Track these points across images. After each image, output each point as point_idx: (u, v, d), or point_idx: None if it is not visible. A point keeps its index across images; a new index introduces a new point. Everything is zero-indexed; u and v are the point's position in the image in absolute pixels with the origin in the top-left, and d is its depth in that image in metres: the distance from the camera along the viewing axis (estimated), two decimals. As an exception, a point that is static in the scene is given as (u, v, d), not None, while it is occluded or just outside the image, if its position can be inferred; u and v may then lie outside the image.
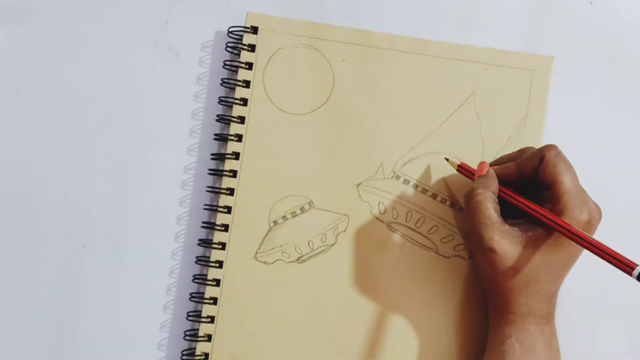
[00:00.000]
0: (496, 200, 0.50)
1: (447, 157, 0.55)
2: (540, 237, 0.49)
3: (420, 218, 0.56)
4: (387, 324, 0.55)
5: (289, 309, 0.55)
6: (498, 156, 0.55)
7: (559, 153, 0.49)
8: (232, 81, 0.56)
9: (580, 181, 0.57)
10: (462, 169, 0.54)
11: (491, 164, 0.53)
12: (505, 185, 0.51)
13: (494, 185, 0.50)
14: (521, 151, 0.53)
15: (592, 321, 0.57)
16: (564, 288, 0.57)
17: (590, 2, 0.59)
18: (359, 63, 0.56)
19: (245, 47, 0.56)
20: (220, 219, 0.56)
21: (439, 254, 0.55)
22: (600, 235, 0.57)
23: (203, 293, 0.55)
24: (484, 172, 0.51)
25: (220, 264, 0.55)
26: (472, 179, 0.52)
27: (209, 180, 0.57)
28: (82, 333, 0.57)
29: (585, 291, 0.57)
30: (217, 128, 0.58)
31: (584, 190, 0.50)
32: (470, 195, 0.50)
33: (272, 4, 0.58)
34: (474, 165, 0.53)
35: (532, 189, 0.51)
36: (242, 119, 0.56)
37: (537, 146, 0.55)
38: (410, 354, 0.55)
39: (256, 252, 0.56)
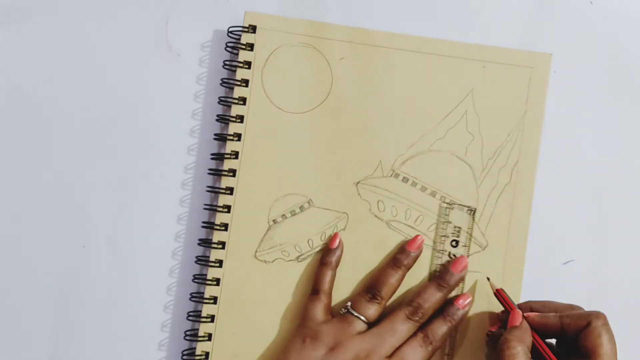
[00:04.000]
0: (529, 355, 0.48)
1: (489, 277, 0.54)
2: None
3: (420, 216, 0.55)
4: (387, 323, 0.55)
5: (288, 307, 0.55)
6: (497, 154, 0.55)
7: (606, 324, 0.48)
8: (231, 81, 0.57)
9: (578, 179, 0.57)
10: (499, 294, 0.53)
11: (533, 307, 0.52)
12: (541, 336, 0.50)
13: (529, 338, 0.49)
14: (569, 306, 0.51)
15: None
16: (564, 289, 0.57)
17: (591, 2, 0.59)
18: (357, 61, 0.56)
19: (244, 46, 0.57)
20: (220, 218, 0.56)
21: (438, 251, 0.55)
22: (599, 233, 0.57)
23: (203, 293, 0.55)
24: (518, 323, 0.50)
25: (220, 263, 0.55)
26: (506, 308, 0.52)
27: (209, 180, 0.57)
28: (82, 333, 0.57)
29: (585, 290, 0.57)
30: (217, 128, 0.58)
31: None
32: (504, 347, 0.48)
33: (272, 3, 0.58)
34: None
35: (568, 344, 0.50)
36: (241, 118, 0.56)
37: (536, 145, 0.55)
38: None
39: (256, 251, 0.56)
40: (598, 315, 0.49)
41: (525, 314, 0.51)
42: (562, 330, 0.49)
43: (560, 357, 0.49)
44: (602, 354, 0.47)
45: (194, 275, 0.56)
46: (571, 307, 0.51)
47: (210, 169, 0.57)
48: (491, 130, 0.56)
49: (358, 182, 0.56)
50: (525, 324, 0.50)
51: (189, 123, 0.58)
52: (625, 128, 0.58)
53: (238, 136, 0.56)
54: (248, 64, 0.56)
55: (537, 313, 0.51)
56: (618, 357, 0.48)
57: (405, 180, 0.56)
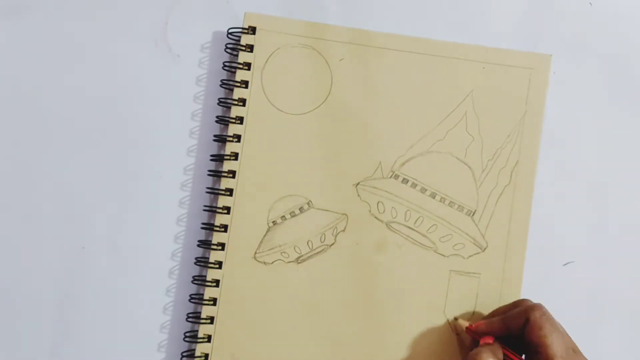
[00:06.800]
0: None
1: (457, 317, 0.55)
2: None
3: (419, 217, 0.55)
4: (386, 323, 0.55)
5: (288, 309, 0.55)
6: (496, 155, 0.55)
7: (544, 314, 0.48)
8: (231, 82, 0.57)
9: (578, 180, 0.57)
10: (469, 331, 0.53)
11: (485, 317, 0.53)
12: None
13: (500, 353, 0.49)
14: (513, 304, 0.52)
15: (592, 321, 0.57)
16: (564, 291, 0.57)
17: (590, 3, 0.59)
18: (357, 62, 0.56)
19: (243, 48, 0.57)
20: (220, 219, 0.56)
21: (438, 253, 0.55)
22: (599, 234, 0.57)
23: (203, 294, 0.55)
24: (492, 342, 0.50)
25: (219, 265, 0.55)
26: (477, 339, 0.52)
27: (209, 181, 0.57)
28: (82, 334, 0.57)
29: (585, 292, 0.57)
30: (216, 129, 0.58)
31: (575, 352, 0.48)
32: (475, 358, 0.48)
33: (272, 4, 0.58)
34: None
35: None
36: (240, 120, 0.56)
37: (536, 146, 0.55)
38: (409, 353, 0.55)
39: (255, 253, 0.56)
40: (534, 307, 0.49)
41: (472, 324, 0.52)
42: (509, 330, 0.50)
43: None
44: (548, 345, 0.47)
45: (193, 277, 0.56)
46: (514, 304, 0.52)
47: (209, 170, 0.57)
48: (491, 131, 0.56)
49: (358, 184, 0.56)
50: (497, 343, 0.50)
51: (189, 124, 0.58)
52: (625, 129, 0.58)
53: (238, 137, 0.56)
54: (248, 65, 0.56)
55: (483, 321, 0.51)
56: (618, 359, 0.48)
57: (405, 181, 0.56)
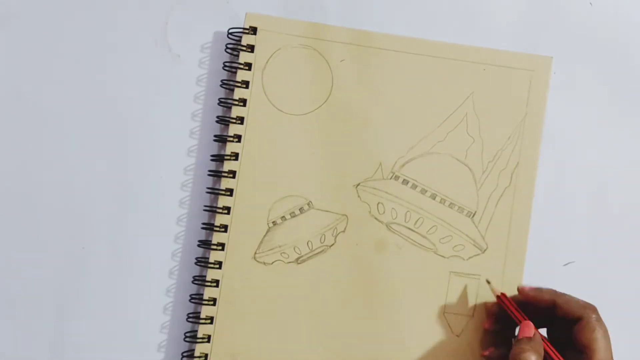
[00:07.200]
0: None
1: (489, 280, 0.55)
2: None
3: (420, 218, 0.55)
4: (386, 324, 0.55)
5: (287, 309, 0.55)
6: (497, 157, 0.55)
7: (599, 318, 0.49)
8: (231, 82, 0.56)
9: (579, 181, 0.57)
10: (502, 301, 0.53)
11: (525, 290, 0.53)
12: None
13: (542, 350, 0.49)
14: (562, 296, 0.51)
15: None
16: (564, 291, 0.57)
17: (590, 3, 0.59)
18: (358, 63, 0.56)
19: (244, 48, 0.56)
20: (220, 219, 0.56)
21: (438, 254, 0.55)
22: (599, 235, 0.57)
23: (203, 294, 0.55)
24: (532, 334, 0.49)
25: (219, 265, 0.55)
26: (512, 316, 0.52)
27: (209, 181, 0.57)
28: (82, 334, 0.57)
29: (585, 292, 0.57)
30: (216, 129, 0.58)
31: None
32: (519, 358, 0.48)
33: (273, 4, 0.58)
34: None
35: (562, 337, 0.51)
36: (241, 120, 0.56)
37: (536, 148, 0.55)
38: (409, 354, 0.55)
39: (255, 253, 0.56)
40: (592, 308, 0.50)
41: (519, 287, 0.52)
42: (555, 309, 0.50)
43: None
44: (597, 349, 0.48)
45: (193, 277, 0.56)
46: (562, 296, 0.51)
47: (210, 171, 0.57)
48: (491, 133, 0.56)
49: (358, 184, 0.56)
50: (538, 336, 0.50)
51: (189, 124, 0.58)
52: (625, 129, 0.58)
53: (238, 137, 0.56)
54: (248, 66, 0.56)
55: (532, 287, 0.52)
56: (618, 359, 0.49)
57: (405, 182, 0.56)
